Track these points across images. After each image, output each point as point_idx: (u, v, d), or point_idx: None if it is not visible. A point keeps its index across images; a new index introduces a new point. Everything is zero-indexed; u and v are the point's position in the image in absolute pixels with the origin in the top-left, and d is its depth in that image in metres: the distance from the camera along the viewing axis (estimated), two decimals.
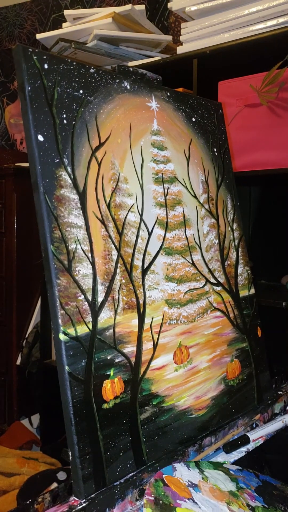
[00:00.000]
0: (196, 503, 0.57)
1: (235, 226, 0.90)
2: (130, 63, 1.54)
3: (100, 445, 0.58)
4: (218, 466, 0.68)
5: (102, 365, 0.61)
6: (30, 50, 0.60)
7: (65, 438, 0.57)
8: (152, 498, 0.55)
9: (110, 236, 0.65)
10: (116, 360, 0.63)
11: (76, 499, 0.56)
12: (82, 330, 0.59)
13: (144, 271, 0.70)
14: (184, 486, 0.60)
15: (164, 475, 0.60)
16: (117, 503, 0.58)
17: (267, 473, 0.88)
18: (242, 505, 0.61)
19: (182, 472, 0.62)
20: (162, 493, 0.56)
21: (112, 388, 0.61)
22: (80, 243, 0.61)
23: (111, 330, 0.63)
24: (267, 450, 0.84)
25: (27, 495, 1.20)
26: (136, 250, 0.69)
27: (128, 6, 1.50)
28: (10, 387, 2.10)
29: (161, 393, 0.68)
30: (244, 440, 0.75)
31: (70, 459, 0.57)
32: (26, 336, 2.09)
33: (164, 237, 0.74)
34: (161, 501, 0.55)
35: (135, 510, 0.59)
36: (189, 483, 0.61)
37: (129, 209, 0.69)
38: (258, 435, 0.78)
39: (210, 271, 0.82)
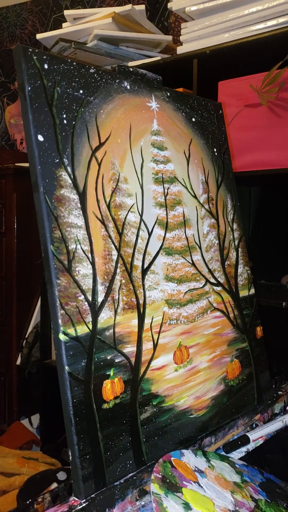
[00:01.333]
0: (202, 487, 0.59)
1: (235, 226, 0.90)
2: (130, 63, 1.54)
3: (100, 445, 0.58)
4: (224, 458, 0.69)
5: (102, 365, 0.61)
6: (30, 50, 0.60)
7: (65, 438, 0.57)
8: (160, 476, 0.56)
9: (110, 236, 0.65)
10: (116, 360, 0.63)
11: (76, 499, 0.56)
12: (82, 330, 0.59)
13: (144, 271, 0.70)
14: (191, 470, 0.61)
15: (172, 458, 0.61)
16: (117, 503, 0.58)
17: (268, 473, 0.88)
18: (245, 496, 0.62)
19: (190, 458, 0.63)
20: (170, 473, 0.58)
21: (112, 388, 0.61)
22: (80, 243, 0.61)
23: (111, 330, 0.63)
24: (267, 450, 0.84)
25: (27, 495, 1.20)
26: (136, 250, 0.69)
27: (128, 6, 1.50)
28: (10, 387, 2.10)
29: (161, 393, 0.68)
30: (244, 440, 0.75)
31: (70, 459, 0.57)
32: (26, 336, 2.09)
33: (164, 237, 0.74)
34: (168, 480, 0.56)
35: (135, 510, 0.59)
36: (196, 468, 0.62)
37: (129, 209, 0.69)
38: (258, 435, 0.78)
39: (210, 271, 0.82)
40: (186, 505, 0.54)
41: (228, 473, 0.65)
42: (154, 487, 0.55)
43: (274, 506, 0.64)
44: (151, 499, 0.53)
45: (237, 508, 0.59)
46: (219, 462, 0.66)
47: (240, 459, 0.75)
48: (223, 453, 0.74)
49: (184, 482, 0.58)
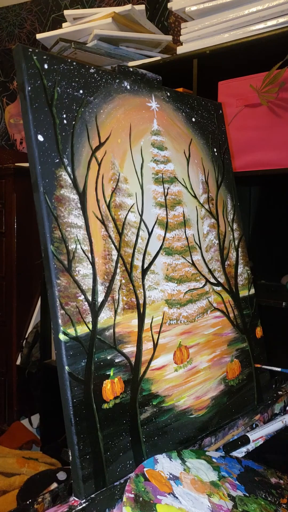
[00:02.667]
0: (177, 497, 0.57)
1: (235, 226, 0.90)
2: (130, 63, 1.54)
3: (100, 445, 0.58)
4: (200, 454, 0.67)
5: (102, 365, 0.61)
6: (30, 50, 0.60)
7: (65, 438, 0.57)
8: (132, 496, 0.54)
9: (110, 236, 0.65)
10: (116, 360, 0.63)
11: (76, 499, 0.56)
12: (82, 330, 0.59)
13: (144, 271, 0.70)
14: (165, 479, 0.59)
15: (145, 469, 0.60)
16: (117, 503, 0.58)
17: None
18: (223, 496, 0.61)
19: (164, 464, 0.62)
20: (143, 489, 0.56)
21: (112, 388, 0.61)
22: (80, 243, 0.61)
23: (111, 330, 0.63)
24: (267, 450, 0.84)
25: (27, 495, 1.20)
26: (136, 250, 0.69)
27: (128, 6, 1.49)
28: (10, 387, 2.10)
29: (161, 393, 0.68)
30: (244, 440, 0.75)
31: (70, 459, 0.57)
32: (26, 336, 2.09)
33: (164, 237, 0.74)
34: (141, 498, 0.54)
35: None
36: (171, 475, 0.60)
37: (129, 209, 0.69)
38: (258, 435, 0.78)
39: (210, 271, 0.82)
40: None
41: (205, 472, 0.64)
42: (125, 511, 0.52)
43: (252, 499, 0.63)
44: None
45: None
46: (195, 461, 0.65)
47: None
48: (208, 450, 0.73)
49: (158, 497, 0.56)
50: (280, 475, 0.72)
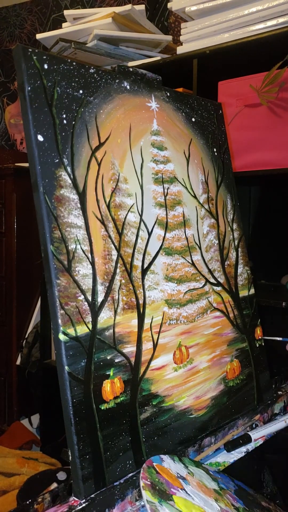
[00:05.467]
0: (189, 494, 0.58)
1: (235, 226, 0.90)
2: (130, 63, 1.54)
3: (100, 445, 0.58)
4: (198, 465, 0.68)
5: (102, 365, 0.61)
6: (30, 50, 0.60)
7: (65, 438, 0.57)
8: (149, 483, 0.55)
9: (110, 236, 0.65)
10: (116, 360, 0.63)
11: (76, 499, 0.56)
12: (82, 330, 0.59)
13: (144, 271, 0.70)
14: (174, 477, 0.60)
15: (154, 463, 0.60)
16: (117, 503, 0.58)
17: (267, 473, 0.88)
18: (227, 504, 0.61)
19: (170, 464, 0.62)
20: (157, 480, 0.57)
21: (112, 388, 0.61)
22: (80, 243, 0.61)
23: (111, 330, 0.63)
24: (267, 450, 0.84)
25: (27, 495, 1.20)
26: (136, 250, 0.69)
27: (128, 6, 1.49)
28: (10, 387, 2.10)
29: (161, 393, 0.68)
30: (246, 439, 0.75)
31: (70, 459, 0.57)
32: (26, 336, 2.09)
33: (164, 237, 0.74)
34: (157, 487, 0.55)
35: (135, 511, 0.59)
36: (178, 475, 0.61)
37: (129, 209, 0.69)
38: (260, 435, 0.78)
39: (210, 271, 0.82)
40: None
41: (207, 480, 0.64)
42: (147, 495, 0.53)
43: None
44: (146, 508, 0.51)
45: None
46: (195, 469, 0.65)
47: (240, 459, 0.75)
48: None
49: (172, 490, 0.56)
50: (267, 501, 0.72)
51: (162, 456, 0.63)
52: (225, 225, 0.87)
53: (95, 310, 0.61)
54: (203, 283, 0.80)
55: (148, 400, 0.66)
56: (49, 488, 0.68)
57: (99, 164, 0.66)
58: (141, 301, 0.68)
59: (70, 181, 0.62)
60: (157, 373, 0.68)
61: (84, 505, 0.55)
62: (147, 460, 0.61)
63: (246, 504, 0.65)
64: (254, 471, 0.91)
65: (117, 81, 0.72)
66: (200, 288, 0.79)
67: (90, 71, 0.68)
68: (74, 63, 0.66)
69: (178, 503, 0.54)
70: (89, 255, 0.62)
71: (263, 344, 0.90)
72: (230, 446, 0.75)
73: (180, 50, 1.39)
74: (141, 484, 0.54)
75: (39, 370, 1.93)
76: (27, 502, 0.58)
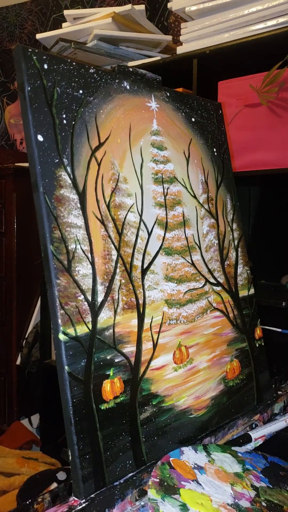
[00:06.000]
0: (200, 484, 0.59)
1: (234, 226, 0.90)
2: (130, 63, 1.54)
3: (100, 445, 0.58)
4: (226, 449, 0.69)
5: (101, 365, 0.61)
6: (30, 50, 0.60)
7: (65, 438, 0.57)
8: (157, 480, 0.57)
9: (109, 236, 0.65)
10: (116, 360, 0.63)
11: (76, 499, 0.56)
12: (82, 330, 0.59)
13: (144, 271, 0.70)
14: (189, 468, 0.61)
15: (171, 458, 0.62)
16: (117, 503, 0.58)
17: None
18: (246, 486, 0.63)
19: (189, 455, 0.64)
20: (168, 475, 0.58)
21: (111, 388, 0.61)
22: (79, 243, 0.61)
23: (111, 330, 0.63)
24: (267, 450, 0.84)
25: (27, 495, 1.20)
26: (135, 250, 0.69)
27: (128, 6, 1.50)
28: (10, 387, 2.10)
29: (160, 393, 0.68)
30: (246, 438, 0.75)
31: (70, 459, 0.57)
32: (26, 336, 2.09)
33: (164, 237, 0.74)
34: (165, 483, 0.57)
35: (135, 511, 0.59)
36: (195, 465, 0.62)
37: (129, 209, 0.69)
38: (260, 434, 0.78)
39: (209, 271, 0.82)
40: (183, 506, 0.54)
41: (230, 464, 0.66)
42: (151, 493, 0.55)
43: (277, 491, 0.64)
44: (147, 505, 0.54)
45: (237, 500, 0.59)
46: (220, 454, 0.67)
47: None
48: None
49: (182, 483, 0.58)
50: None
51: (183, 448, 0.65)
52: (225, 225, 0.87)
53: (95, 310, 0.61)
54: (203, 283, 0.80)
55: (148, 400, 0.66)
56: (49, 488, 0.68)
57: (99, 164, 0.66)
58: (141, 301, 0.68)
59: (70, 181, 0.62)
60: (157, 373, 0.68)
61: (84, 505, 0.55)
62: (164, 456, 0.63)
63: (272, 482, 0.66)
64: None
65: (117, 81, 0.72)
66: (200, 288, 0.79)
67: (90, 71, 0.68)
68: (74, 63, 0.66)
69: (183, 495, 0.56)
70: (89, 255, 0.62)
71: (263, 344, 0.90)
72: (230, 445, 0.75)
73: (180, 50, 1.39)
74: (149, 482, 0.57)
75: (39, 370, 1.93)
76: (27, 502, 0.58)
